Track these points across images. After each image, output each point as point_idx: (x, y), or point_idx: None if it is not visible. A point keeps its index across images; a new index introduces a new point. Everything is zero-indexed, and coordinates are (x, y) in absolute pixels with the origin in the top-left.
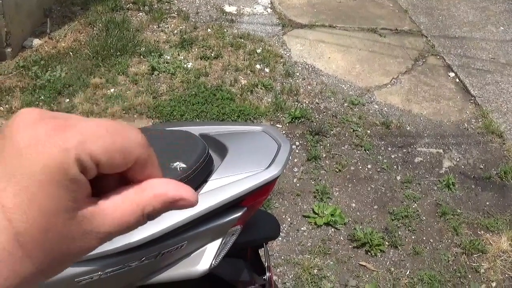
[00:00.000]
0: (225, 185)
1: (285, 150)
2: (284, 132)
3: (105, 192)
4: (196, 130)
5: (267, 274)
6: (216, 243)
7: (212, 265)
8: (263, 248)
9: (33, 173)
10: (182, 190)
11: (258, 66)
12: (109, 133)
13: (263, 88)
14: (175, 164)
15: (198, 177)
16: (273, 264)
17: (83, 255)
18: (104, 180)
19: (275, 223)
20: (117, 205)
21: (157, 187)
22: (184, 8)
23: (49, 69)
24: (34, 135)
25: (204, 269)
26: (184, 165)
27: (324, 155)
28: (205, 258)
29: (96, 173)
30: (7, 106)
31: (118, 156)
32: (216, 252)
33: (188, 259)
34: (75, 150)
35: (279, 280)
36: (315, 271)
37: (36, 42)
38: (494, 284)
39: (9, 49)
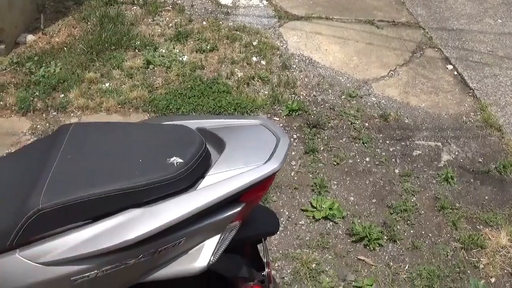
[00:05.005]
0: (223, 180)
1: (284, 144)
2: (281, 125)
3: None
4: (193, 124)
5: (266, 270)
6: (215, 239)
7: (211, 262)
8: (261, 244)
9: None
10: None
11: (254, 59)
12: None
13: (259, 80)
14: (171, 159)
15: (195, 172)
16: (271, 258)
17: None
18: None
19: (274, 218)
20: None
21: None
22: (179, 1)
23: (44, 64)
24: None
25: (203, 266)
26: (181, 160)
27: (322, 148)
28: (203, 254)
29: None
30: (1, 103)
31: None
32: (215, 249)
33: (186, 256)
34: None
35: (277, 274)
36: (314, 265)
37: (30, 38)
38: (493, 280)
39: (2, 46)
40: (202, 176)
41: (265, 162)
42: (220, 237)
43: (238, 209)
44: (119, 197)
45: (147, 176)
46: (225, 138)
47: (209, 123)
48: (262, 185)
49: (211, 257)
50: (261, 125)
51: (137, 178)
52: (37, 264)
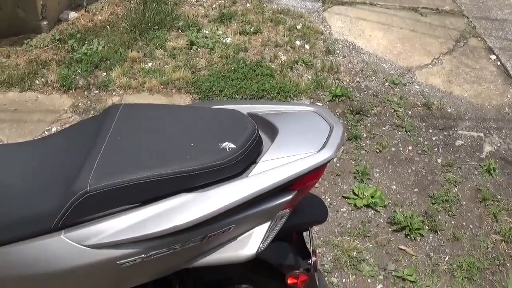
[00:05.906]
0: (275, 167)
1: (337, 132)
2: None
3: None
4: (244, 109)
5: (313, 258)
6: (264, 227)
7: (260, 249)
8: (307, 232)
9: None
10: None
11: (298, 43)
12: None
13: (303, 65)
14: (224, 144)
15: (247, 158)
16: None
17: None
18: None
19: (323, 206)
20: None
21: None
22: None
23: (86, 42)
24: None
25: (251, 253)
26: (233, 145)
27: (364, 135)
28: (252, 242)
29: None
30: (43, 79)
31: None
32: (264, 236)
33: (235, 243)
34: None
35: (318, 261)
36: (354, 253)
37: (72, 15)
38: None
39: (45, 22)
40: (254, 162)
41: (319, 151)
42: (270, 224)
43: (290, 197)
44: (169, 181)
45: (198, 160)
46: (277, 124)
47: (260, 108)
48: (314, 174)
49: (260, 244)
50: (314, 112)
51: (188, 162)
52: (83, 247)
